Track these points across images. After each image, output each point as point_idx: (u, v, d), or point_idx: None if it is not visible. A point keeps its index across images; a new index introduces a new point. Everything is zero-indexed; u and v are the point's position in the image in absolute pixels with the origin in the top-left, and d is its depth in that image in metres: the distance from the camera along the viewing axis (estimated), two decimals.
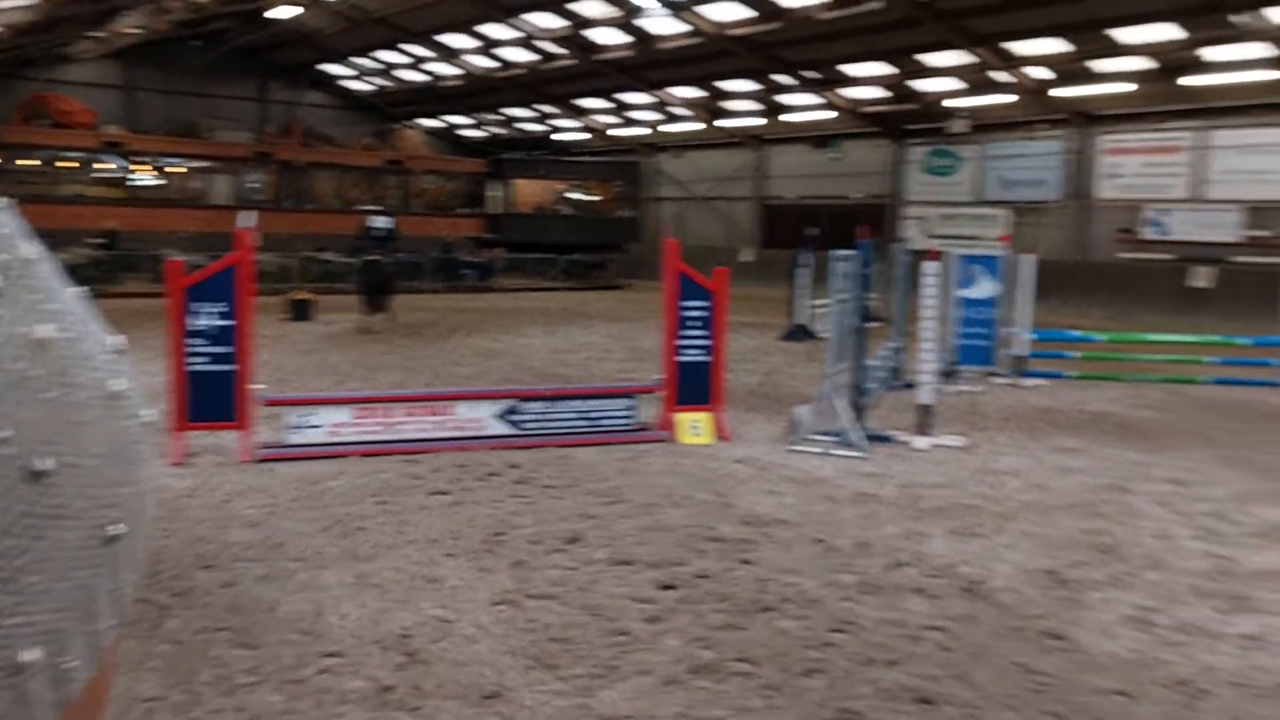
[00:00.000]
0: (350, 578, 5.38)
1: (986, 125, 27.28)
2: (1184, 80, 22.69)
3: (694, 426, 8.89)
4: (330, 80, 37.63)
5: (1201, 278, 22.24)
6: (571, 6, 26.25)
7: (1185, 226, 23.53)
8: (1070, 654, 4.61)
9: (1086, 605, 5.21)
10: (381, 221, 19.05)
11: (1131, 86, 23.72)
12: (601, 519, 6.53)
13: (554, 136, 39.60)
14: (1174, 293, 22.35)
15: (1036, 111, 26.04)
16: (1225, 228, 22.85)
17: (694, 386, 9.01)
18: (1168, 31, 21.38)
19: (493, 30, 29.21)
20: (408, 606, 4.99)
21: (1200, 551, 6.12)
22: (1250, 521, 6.81)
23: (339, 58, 34.61)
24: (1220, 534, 6.50)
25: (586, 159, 37.80)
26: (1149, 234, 24.16)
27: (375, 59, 34.22)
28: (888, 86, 27.85)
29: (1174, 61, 22.47)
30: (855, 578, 5.52)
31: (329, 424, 8.19)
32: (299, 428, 8.07)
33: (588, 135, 38.53)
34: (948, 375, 12.69)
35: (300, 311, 18.40)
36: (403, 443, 8.28)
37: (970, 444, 9.12)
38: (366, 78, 36.83)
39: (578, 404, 8.90)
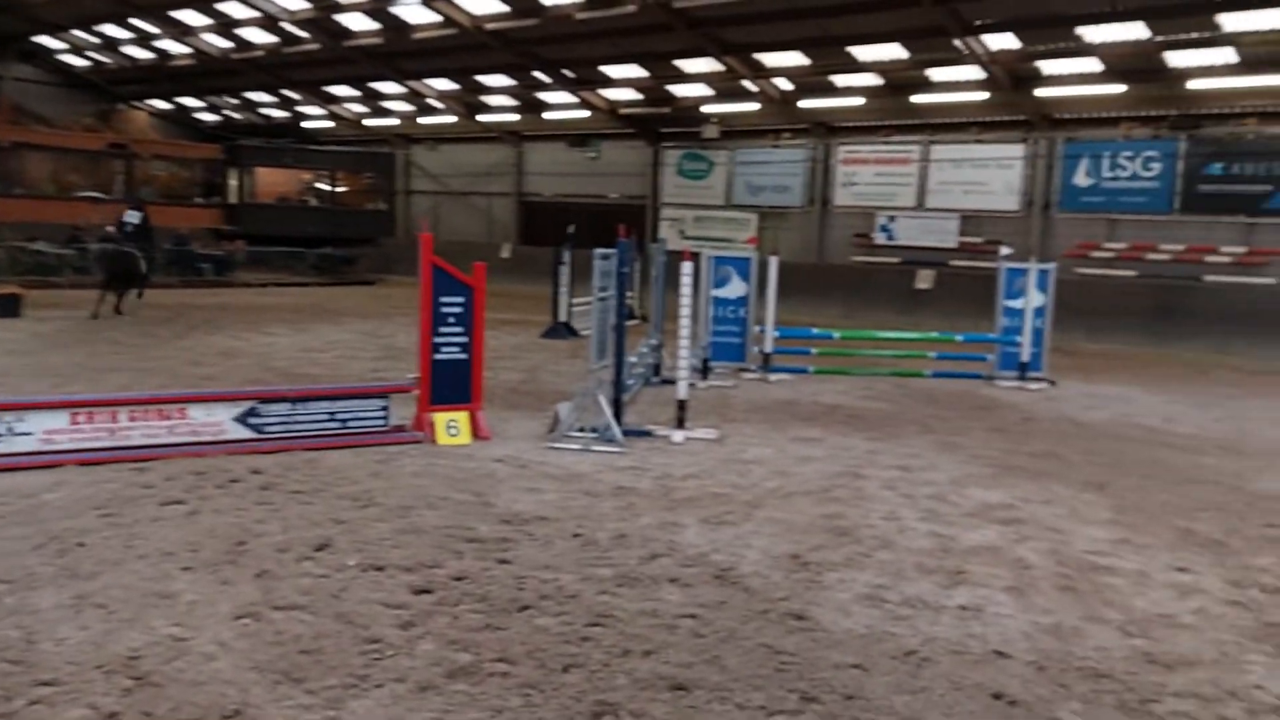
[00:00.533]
0: (69, 598, 4.87)
1: (737, 131, 28.53)
2: (913, 97, 24.68)
3: (451, 426, 8.72)
4: (45, 54, 34.16)
5: (924, 280, 24.28)
6: None
7: (911, 232, 25.63)
8: (811, 633, 4.86)
9: (826, 586, 5.52)
10: (131, 215, 17.86)
11: (865, 101, 25.56)
12: (353, 524, 6.26)
13: (302, 124, 37.83)
14: (901, 293, 24.24)
15: (783, 120, 27.52)
16: (945, 234, 25.08)
17: (451, 385, 8.83)
18: (896, 51, 23.19)
19: (231, 8, 27.51)
20: (137, 626, 4.58)
21: (924, 531, 6.64)
22: (965, 502, 7.47)
23: (54, 29, 31.46)
24: (940, 514, 7.08)
25: (336, 148, 36.37)
26: (880, 239, 26.11)
27: (98, 33, 31.37)
28: (644, 89, 28.55)
29: (903, 80, 24.40)
30: (613, 570, 5.58)
31: (40, 431, 7.39)
32: (3, 436, 7.24)
33: (337, 124, 37.11)
34: (702, 371, 13.17)
35: (6, 308, 16.57)
36: (131, 450, 7.60)
37: (722, 436, 9.48)
38: (87, 53, 33.71)
39: (326, 405, 8.50)
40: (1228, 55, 20.21)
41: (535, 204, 33.38)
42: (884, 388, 13.32)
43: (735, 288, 14.02)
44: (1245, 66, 20.27)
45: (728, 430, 9.82)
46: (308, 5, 26.47)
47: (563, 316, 17.81)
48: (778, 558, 5.95)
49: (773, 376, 13.60)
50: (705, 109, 28.18)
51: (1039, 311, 14.45)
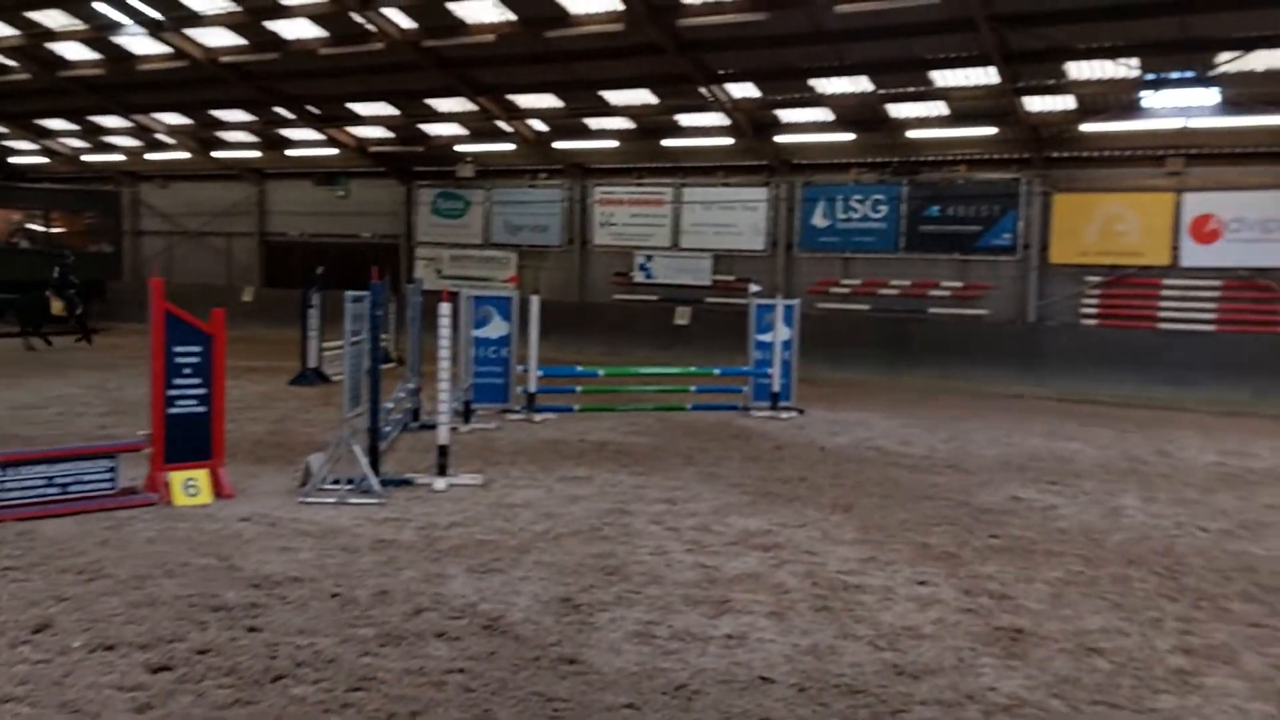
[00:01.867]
0: None
1: (493, 171, 28.51)
2: (664, 141, 25.59)
3: (190, 485, 8.07)
4: None
5: (682, 316, 25.12)
6: (30, 15, 23.09)
7: (668, 271, 26.47)
8: (584, 676, 4.81)
9: (597, 626, 5.49)
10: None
11: (619, 143, 26.25)
12: (78, 599, 5.64)
13: (9, 160, 34.44)
14: (661, 330, 24.94)
15: (539, 160, 27.76)
16: (699, 272, 26.09)
17: (189, 441, 8.18)
18: (646, 97, 24.00)
19: None
20: None
21: (691, 563, 6.77)
22: (728, 531, 7.70)
23: None
24: (705, 545, 7.25)
25: (52, 186, 33.25)
26: (640, 277, 26.79)
27: None
28: (395, 127, 28.01)
29: (654, 124, 25.26)
30: (375, 630, 5.32)
31: None
32: None
33: (51, 159, 34.05)
34: (465, 414, 12.93)
35: None
36: None
37: (487, 480, 9.32)
38: None
39: (43, 469, 7.65)
40: (940, 108, 22.33)
41: (280, 244, 31.86)
42: (648, 422, 13.59)
43: (496, 327, 13.91)
44: (955, 119, 22.46)
45: (493, 474, 9.67)
46: (16, 32, 24.18)
47: (312, 362, 17.02)
48: (548, 602, 5.87)
49: (538, 416, 13.56)
50: (460, 148, 27.99)
51: (786, 344, 15.25)
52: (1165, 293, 21.66)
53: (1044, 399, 19.09)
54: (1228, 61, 18.39)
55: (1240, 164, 21.02)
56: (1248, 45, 17.79)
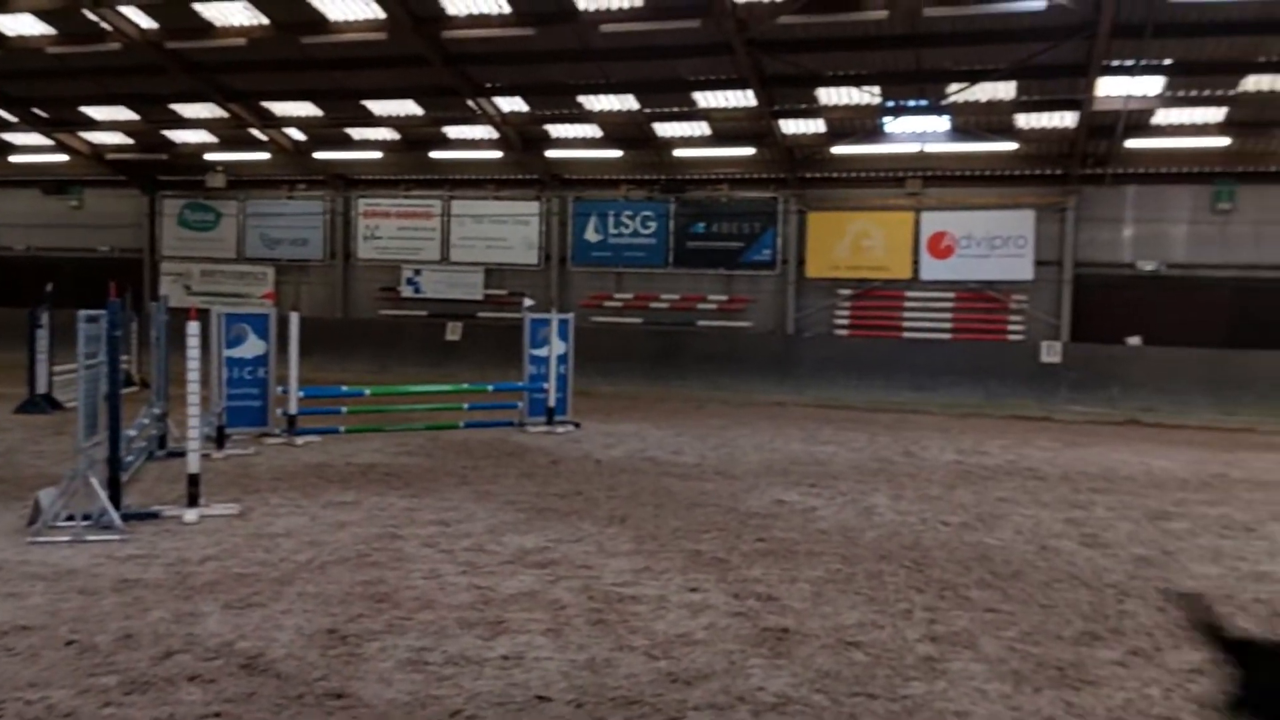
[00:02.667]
0: None
1: (247, 181, 27.05)
2: (431, 153, 25.13)
3: None
4: None
5: (453, 332, 24.73)
6: None
7: (438, 286, 26.00)
8: (352, 710, 4.58)
9: (366, 657, 5.26)
10: None
11: (384, 155, 25.56)
12: None
13: None
14: (432, 346, 24.45)
15: (297, 171, 26.59)
16: (470, 287, 25.78)
17: None
18: (411, 108, 23.50)
19: None
20: None
21: (465, 585, 6.62)
22: (503, 550, 7.59)
23: None
24: (480, 565, 7.12)
25: None
26: (408, 292, 26.15)
27: None
28: (136, 134, 26.07)
29: (420, 136, 24.78)
30: (119, 678, 4.85)
31: None
32: None
33: None
34: (218, 440, 12.13)
35: None
36: None
37: (244, 510, 8.76)
38: None
39: None
40: (703, 128, 23.18)
41: (4, 259, 28.88)
42: (420, 442, 13.25)
43: (252, 346, 13.14)
44: (717, 139, 23.37)
45: (251, 502, 9.11)
46: None
47: (42, 388, 15.51)
48: (313, 635, 5.57)
49: (300, 439, 12.92)
50: (210, 157, 26.40)
51: (561, 359, 15.31)
52: (907, 304, 23.44)
53: (803, 405, 20.14)
54: (956, 92, 20.15)
55: (969, 185, 23.08)
56: (973, 77, 19.56)
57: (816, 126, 22.59)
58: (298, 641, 5.46)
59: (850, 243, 23.71)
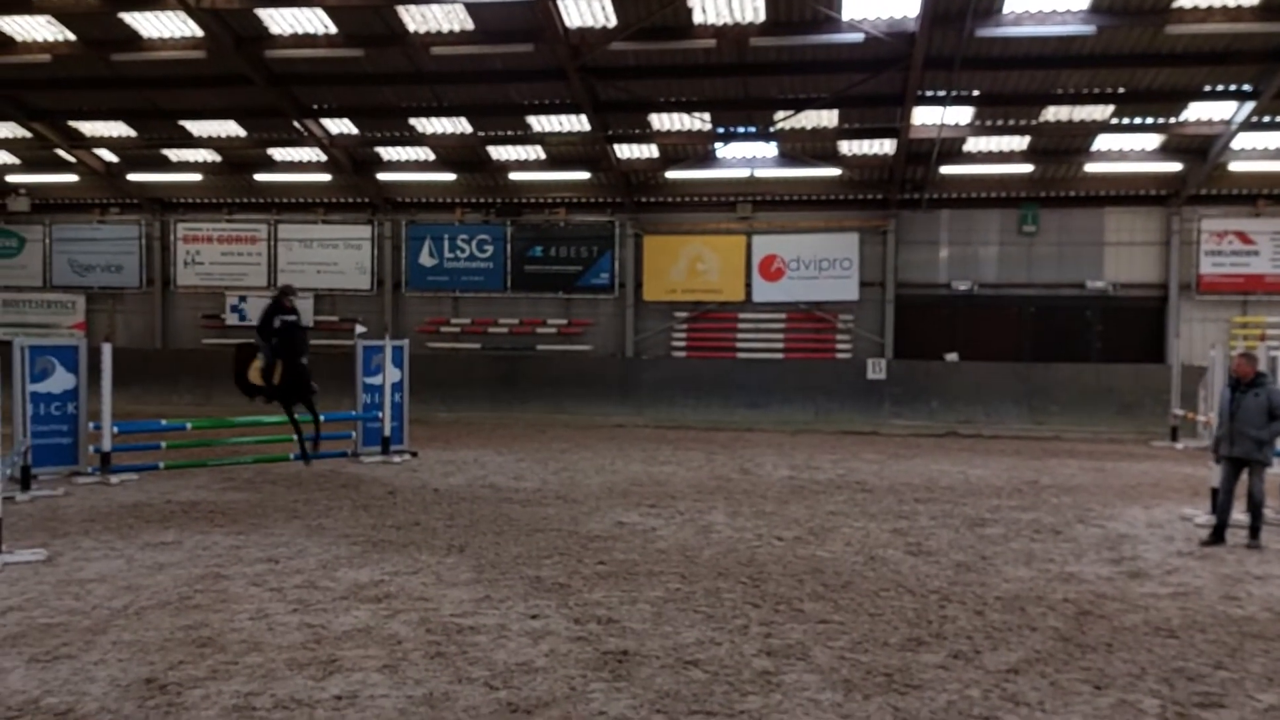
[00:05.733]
0: None
1: (54, 205, 25.37)
2: (256, 176, 24.19)
3: None
4: None
5: None
6: None
7: None
8: None
9: (187, 706, 4.96)
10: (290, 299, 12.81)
11: (204, 177, 24.45)
12: None
13: None
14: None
15: (110, 194, 25.12)
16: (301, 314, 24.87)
17: None
18: (234, 129, 22.59)
19: None
20: None
21: (296, 624, 6.34)
22: (337, 585, 7.32)
23: None
24: (312, 603, 6.84)
25: None
26: (233, 320, 25.01)
27: None
28: None
29: (244, 158, 23.82)
30: None
31: None
32: None
33: None
34: (23, 480, 11.25)
35: None
36: None
37: (52, 555, 8.15)
38: None
39: None
40: (538, 152, 23.20)
41: None
42: (248, 476, 12.67)
43: (60, 380, 12.27)
44: (553, 163, 23.45)
45: (60, 547, 8.48)
46: None
47: None
48: (129, 686, 5.21)
49: (115, 478, 12.14)
50: (11, 179, 24.62)
51: (397, 386, 14.96)
52: (741, 325, 24.07)
53: (643, 426, 20.35)
54: (783, 119, 20.91)
55: (797, 209, 23.95)
56: (799, 105, 20.35)
57: (650, 152, 22.98)
58: (112, 694, 5.10)
59: (686, 266, 24.19)
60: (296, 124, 21.58)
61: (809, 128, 21.46)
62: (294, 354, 12.36)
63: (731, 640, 6.11)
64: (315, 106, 21.44)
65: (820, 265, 23.86)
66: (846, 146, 22.45)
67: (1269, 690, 5.35)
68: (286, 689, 5.20)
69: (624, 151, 22.71)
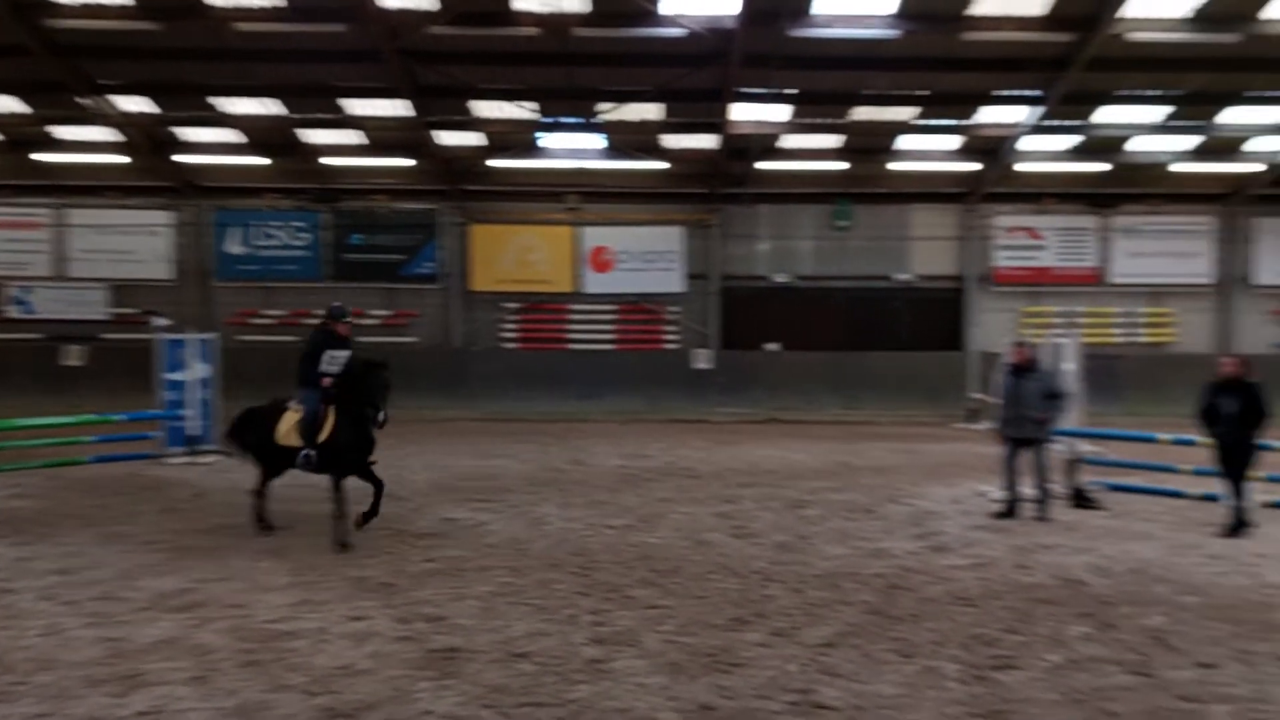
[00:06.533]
0: None
1: None
2: (38, 156, 22.35)
3: None
4: None
5: (74, 356, 22.12)
6: None
7: (53, 305, 23.15)
8: None
9: None
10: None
11: None
12: None
13: None
14: (47, 373, 21.76)
15: None
16: (93, 305, 23.18)
17: None
18: (13, 105, 20.80)
19: None
20: None
21: (92, 638, 5.90)
22: (138, 596, 6.85)
23: None
24: (110, 615, 6.37)
25: None
26: (15, 313, 23.08)
27: None
28: None
29: (24, 136, 21.97)
30: None
31: None
32: None
33: None
34: None
35: None
36: None
37: None
38: None
39: None
40: (357, 137, 22.44)
41: None
42: (36, 482, 11.71)
43: None
44: (372, 148, 22.74)
45: None
46: None
47: None
48: None
49: None
50: None
51: (205, 382, 14.15)
52: (572, 317, 24.10)
53: (474, 420, 20.08)
54: (608, 111, 21.00)
55: (625, 202, 24.13)
56: (623, 98, 20.49)
57: (474, 139, 22.64)
58: None
59: (514, 256, 23.99)
60: (84, 100, 20.06)
61: (635, 120, 21.65)
62: (355, 402, 8.56)
63: (561, 631, 6.09)
64: (105, 82, 19.98)
65: (647, 257, 24.16)
66: (671, 140, 22.79)
67: (1055, 650, 5.77)
68: (84, 708, 4.84)
69: (446, 138, 22.27)
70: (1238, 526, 9.12)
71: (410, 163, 22.95)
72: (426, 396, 21.94)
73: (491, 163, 23.19)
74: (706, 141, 22.47)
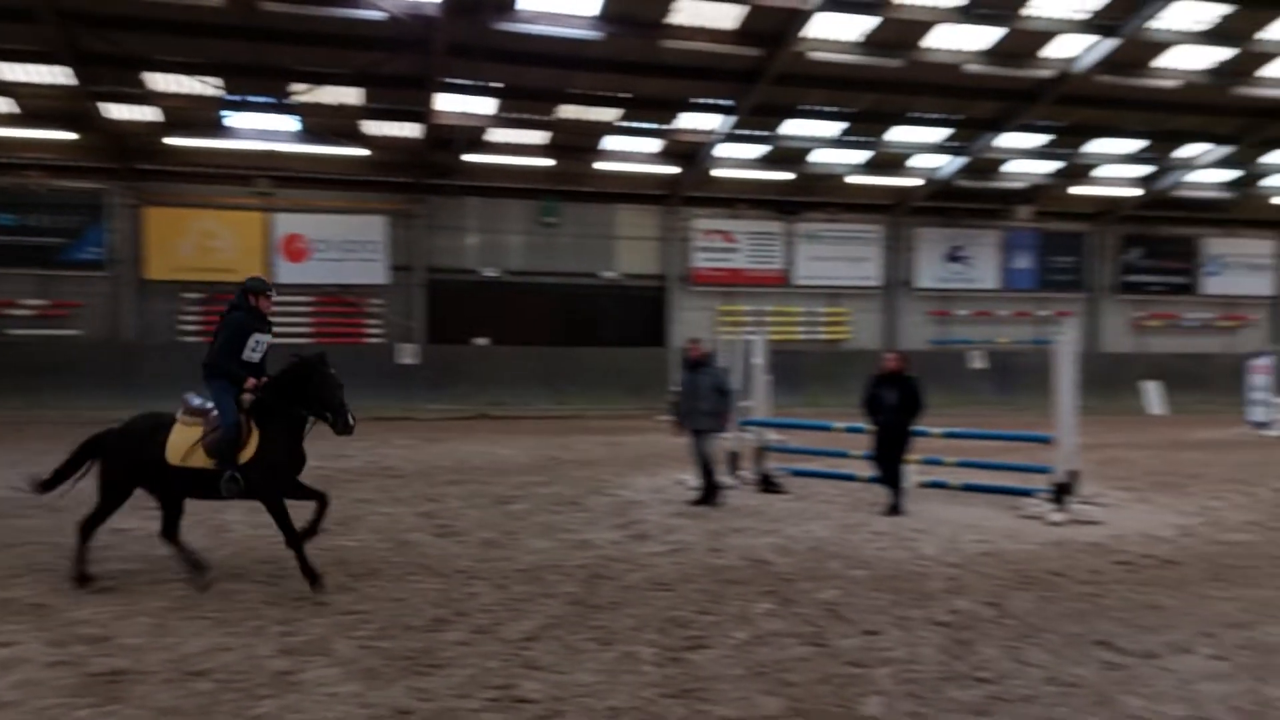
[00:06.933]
0: None
1: None
2: None
3: None
4: None
5: None
6: None
7: None
8: None
9: None
10: None
11: None
12: None
13: None
14: None
15: None
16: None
17: None
18: None
19: None
20: None
21: None
22: None
23: None
24: None
25: None
26: None
27: None
28: None
29: None
30: None
31: None
32: None
33: None
34: None
35: None
36: None
37: None
38: None
39: None
40: (9, 105, 19.90)
41: None
42: None
43: None
44: (27, 119, 20.23)
45: None
46: None
47: None
48: None
49: None
50: None
51: None
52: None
53: None
54: (302, 92, 19.94)
55: (322, 189, 23.05)
56: (318, 79, 19.53)
57: (149, 114, 20.76)
58: None
59: (196, 242, 22.26)
60: None
61: (333, 104, 20.73)
62: (292, 407, 7.03)
63: (246, 644, 5.65)
64: None
65: (347, 247, 23.23)
66: (373, 127, 22.05)
67: (742, 628, 6.09)
68: None
69: (116, 112, 20.26)
70: (896, 506, 10.10)
71: (72, 136, 20.66)
72: (92, 396, 19.86)
73: (170, 141, 21.36)
74: (410, 130, 21.94)
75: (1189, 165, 26.13)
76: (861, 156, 24.97)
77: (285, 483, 6.99)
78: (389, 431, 17.36)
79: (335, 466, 12.95)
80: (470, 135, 22.25)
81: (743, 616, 6.33)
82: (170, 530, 7.29)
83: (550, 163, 23.70)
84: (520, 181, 24.34)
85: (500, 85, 20.55)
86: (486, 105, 21.31)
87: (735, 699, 4.93)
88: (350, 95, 20.51)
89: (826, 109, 22.48)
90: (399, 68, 19.00)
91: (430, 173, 23.17)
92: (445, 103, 20.53)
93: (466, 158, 22.82)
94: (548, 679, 5.15)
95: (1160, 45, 19.94)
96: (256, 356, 7.31)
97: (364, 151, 22.30)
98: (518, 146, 23.38)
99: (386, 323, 23.49)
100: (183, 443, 6.92)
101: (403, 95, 20.37)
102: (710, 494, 10.43)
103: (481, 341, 24.19)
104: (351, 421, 6.97)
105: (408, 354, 23.22)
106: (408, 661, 5.38)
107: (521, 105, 21.52)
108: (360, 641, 5.72)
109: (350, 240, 23.10)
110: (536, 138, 23.14)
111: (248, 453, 6.82)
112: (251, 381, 7.08)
